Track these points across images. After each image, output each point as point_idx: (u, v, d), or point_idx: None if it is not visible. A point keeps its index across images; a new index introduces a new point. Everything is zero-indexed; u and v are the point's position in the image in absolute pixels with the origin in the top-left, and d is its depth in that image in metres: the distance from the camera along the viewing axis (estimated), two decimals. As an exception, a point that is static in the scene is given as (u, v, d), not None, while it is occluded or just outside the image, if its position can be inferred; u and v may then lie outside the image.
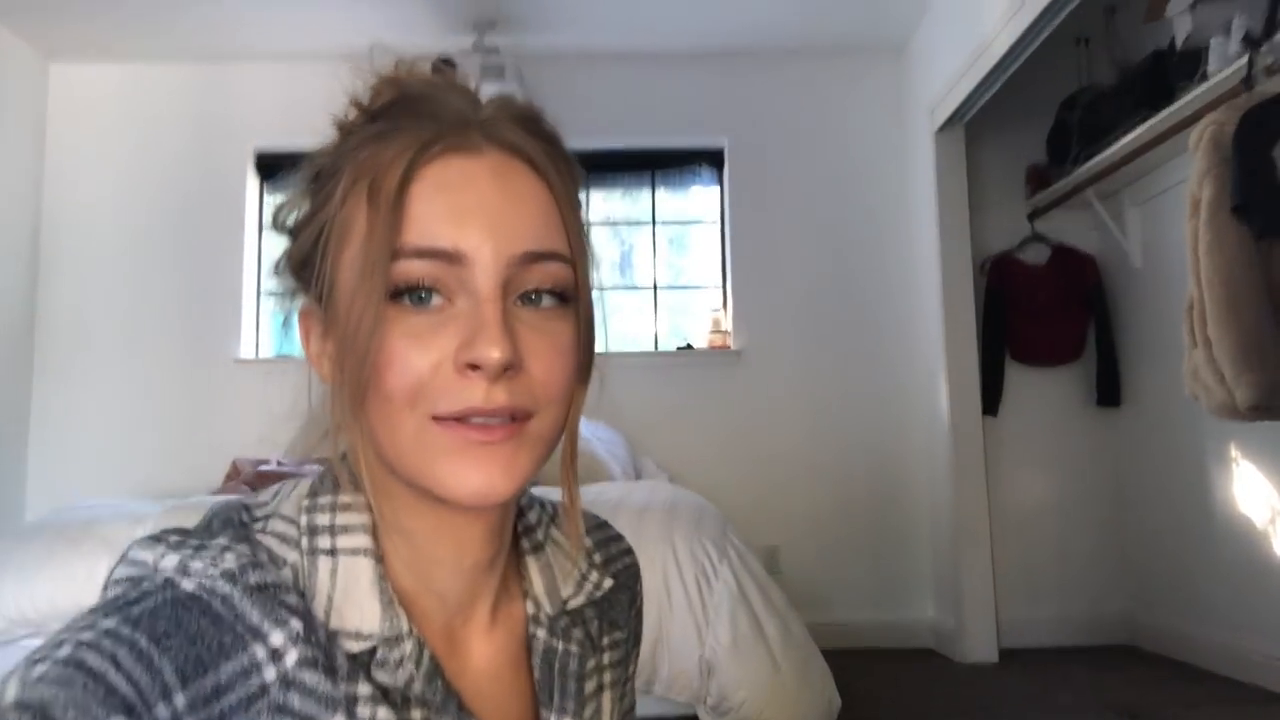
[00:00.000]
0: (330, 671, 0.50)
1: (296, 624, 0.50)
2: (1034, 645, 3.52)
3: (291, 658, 0.49)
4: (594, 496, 2.03)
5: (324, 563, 0.54)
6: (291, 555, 0.54)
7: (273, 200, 3.97)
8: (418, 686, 0.53)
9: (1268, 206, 2.26)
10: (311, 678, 0.50)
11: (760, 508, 3.66)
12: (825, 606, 3.62)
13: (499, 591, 0.61)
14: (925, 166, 3.75)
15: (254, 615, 0.49)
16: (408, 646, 0.54)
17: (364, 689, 0.52)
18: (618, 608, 0.69)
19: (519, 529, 0.64)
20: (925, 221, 3.75)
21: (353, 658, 0.52)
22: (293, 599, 0.51)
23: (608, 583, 0.66)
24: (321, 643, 0.51)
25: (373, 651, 0.53)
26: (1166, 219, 3.29)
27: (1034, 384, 3.79)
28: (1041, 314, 3.74)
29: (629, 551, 0.73)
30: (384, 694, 0.52)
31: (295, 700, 0.49)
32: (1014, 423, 3.75)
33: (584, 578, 0.65)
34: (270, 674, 0.48)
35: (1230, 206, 2.33)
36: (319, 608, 0.52)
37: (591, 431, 2.93)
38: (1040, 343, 3.77)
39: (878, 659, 3.41)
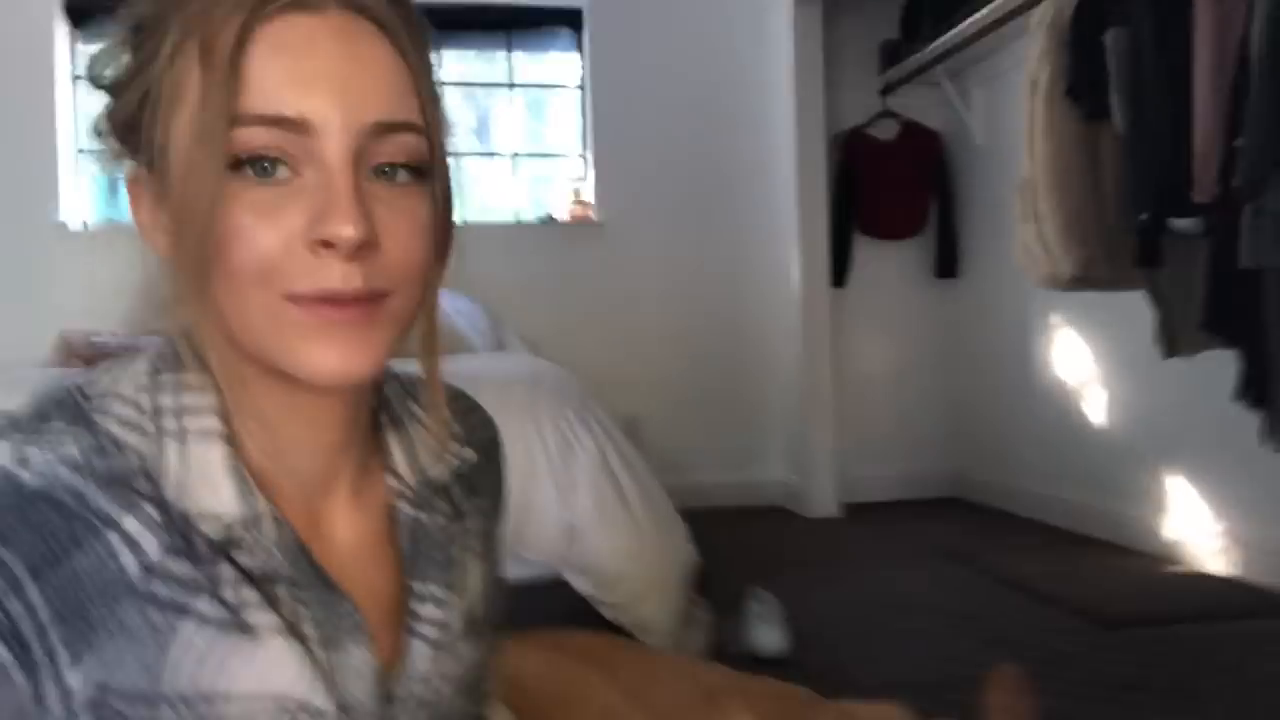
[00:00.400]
0: (190, 556, 0.50)
1: (150, 510, 0.49)
2: (873, 500, 3.80)
3: (148, 544, 0.48)
4: (455, 369, 2.01)
5: (172, 446, 0.51)
6: (135, 439, 0.51)
7: (86, 50, 3.57)
8: (281, 566, 0.53)
9: (1097, 90, 2.38)
10: (171, 563, 0.49)
11: (620, 378, 3.72)
12: (683, 470, 3.76)
13: (360, 468, 0.61)
14: (783, 39, 3.73)
15: (103, 503, 0.48)
16: (267, 527, 0.53)
17: (226, 571, 0.51)
18: (480, 477, 0.69)
19: (378, 405, 0.63)
20: (782, 95, 3.77)
21: (211, 541, 0.51)
22: (143, 484, 0.50)
23: (469, 454, 0.67)
24: (178, 527, 0.50)
25: (232, 533, 0.52)
26: (1009, 99, 3.40)
27: (880, 257, 3.94)
28: (889, 189, 3.86)
29: (490, 422, 0.73)
30: (248, 575, 0.52)
31: (157, 586, 0.48)
32: (860, 294, 3.92)
33: (445, 450, 0.64)
34: (128, 561, 0.47)
35: (1063, 89, 2.44)
36: (171, 492, 0.50)
37: (451, 304, 2.87)
38: (887, 217, 3.90)
39: (732, 517, 3.60)
